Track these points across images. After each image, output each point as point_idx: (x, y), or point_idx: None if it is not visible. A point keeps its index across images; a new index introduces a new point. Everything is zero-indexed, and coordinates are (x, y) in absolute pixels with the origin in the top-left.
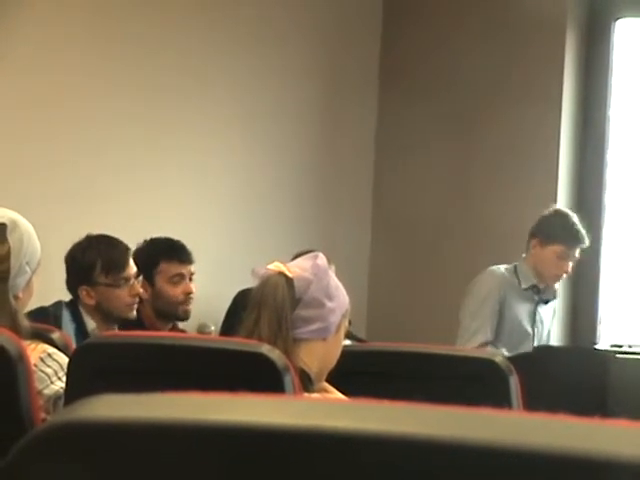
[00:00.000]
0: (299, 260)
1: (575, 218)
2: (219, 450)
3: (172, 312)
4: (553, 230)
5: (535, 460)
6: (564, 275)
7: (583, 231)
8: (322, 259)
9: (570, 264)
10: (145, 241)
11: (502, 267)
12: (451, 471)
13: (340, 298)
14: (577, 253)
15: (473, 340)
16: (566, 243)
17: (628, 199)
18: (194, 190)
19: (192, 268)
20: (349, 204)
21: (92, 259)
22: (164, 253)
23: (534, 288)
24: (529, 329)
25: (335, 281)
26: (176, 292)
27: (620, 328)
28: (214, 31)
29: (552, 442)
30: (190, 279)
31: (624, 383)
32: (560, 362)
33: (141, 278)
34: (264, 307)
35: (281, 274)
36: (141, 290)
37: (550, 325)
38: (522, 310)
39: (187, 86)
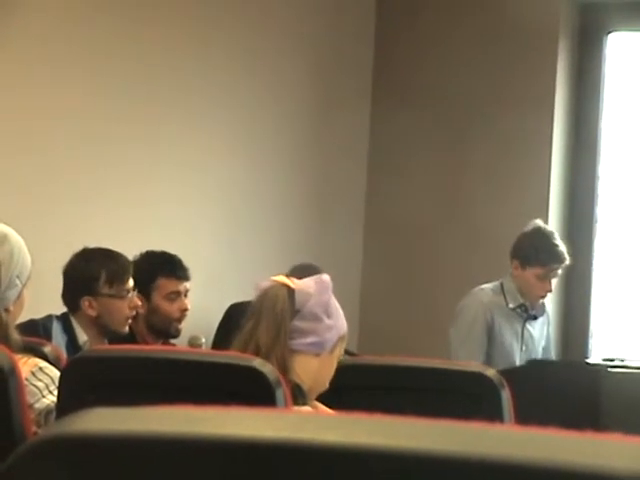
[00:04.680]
0: (304, 279)
1: (554, 236)
2: (210, 464)
3: (166, 329)
4: (531, 253)
5: (527, 474)
6: (547, 294)
7: (562, 249)
8: (327, 277)
9: (553, 282)
10: (142, 254)
11: (488, 288)
12: None
13: (339, 320)
14: (559, 271)
15: None
16: (545, 265)
17: (620, 211)
18: (186, 205)
19: (188, 285)
20: (341, 216)
21: (96, 270)
22: (162, 269)
23: (522, 307)
24: (517, 347)
25: (336, 303)
26: (172, 309)
27: (612, 342)
28: (210, 47)
29: (544, 456)
30: (185, 295)
31: (616, 397)
32: (552, 376)
33: (135, 292)
34: (264, 314)
35: (283, 285)
36: (139, 302)
37: (544, 338)
38: (511, 330)
39: (182, 101)
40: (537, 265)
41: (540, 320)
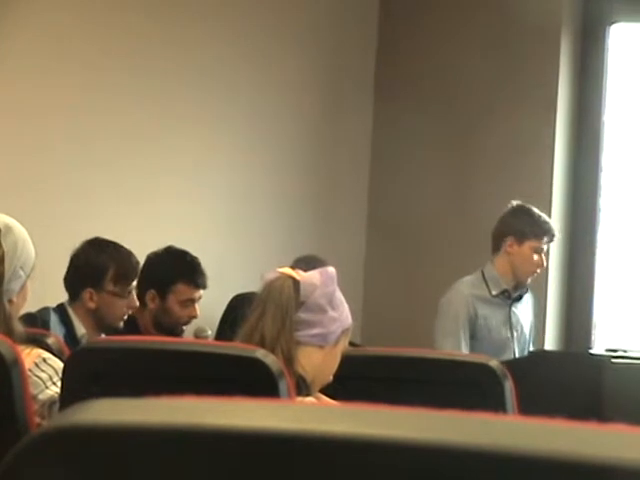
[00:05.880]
0: (310, 271)
1: (537, 212)
2: (214, 454)
3: (172, 329)
4: (525, 227)
5: (532, 465)
6: (539, 270)
7: (551, 223)
8: (332, 269)
9: (544, 258)
10: (164, 250)
11: (468, 279)
12: (446, 476)
13: (343, 313)
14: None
15: None
16: (539, 237)
17: (623, 204)
18: (189, 200)
19: (202, 292)
20: (345, 211)
21: (105, 264)
22: (184, 274)
23: (504, 292)
24: (508, 334)
25: (341, 296)
26: (183, 314)
27: (615, 332)
28: (215, 45)
29: (548, 447)
30: (197, 302)
31: (619, 388)
32: (555, 367)
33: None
34: (269, 304)
35: (289, 277)
36: (137, 304)
37: (531, 319)
38: (497, 317)
39: (185, 96)
40: (533, 237)
41: (525, 299)
